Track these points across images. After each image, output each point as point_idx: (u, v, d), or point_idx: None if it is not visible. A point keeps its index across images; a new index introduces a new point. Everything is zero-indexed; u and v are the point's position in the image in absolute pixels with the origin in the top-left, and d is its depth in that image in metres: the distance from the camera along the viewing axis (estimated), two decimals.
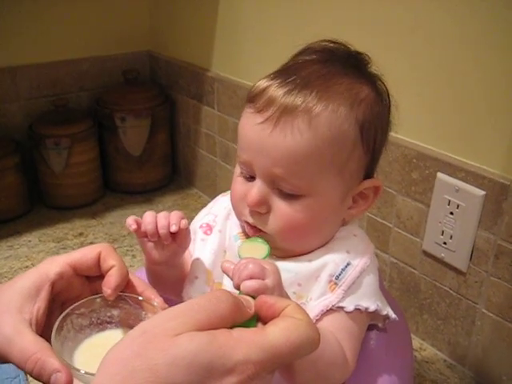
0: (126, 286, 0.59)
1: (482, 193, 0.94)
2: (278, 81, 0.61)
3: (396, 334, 0.74)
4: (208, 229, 0.73)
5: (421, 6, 0.97)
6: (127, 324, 0.57)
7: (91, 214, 1.65)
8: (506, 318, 0.97)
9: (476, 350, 1.04)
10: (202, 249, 0.71)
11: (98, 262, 0.58)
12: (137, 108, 1.66)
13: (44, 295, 0.54)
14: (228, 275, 0.58)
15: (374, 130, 0.63)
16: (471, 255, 0.99)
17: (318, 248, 0.66)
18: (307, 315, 0.42)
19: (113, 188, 1.78)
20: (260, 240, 0.63)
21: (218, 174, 1.64)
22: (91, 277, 0.60)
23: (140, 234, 0.66)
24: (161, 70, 1.82)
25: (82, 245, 1.48)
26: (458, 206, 0.98)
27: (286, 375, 0.49)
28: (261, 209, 0.62)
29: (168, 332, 0.37)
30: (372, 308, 0.63)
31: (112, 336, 0.56)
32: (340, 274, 0.63)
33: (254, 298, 0.45)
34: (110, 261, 0.58)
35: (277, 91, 0.60)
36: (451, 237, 1.00)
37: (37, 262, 1.40)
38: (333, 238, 0.67)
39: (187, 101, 1.71)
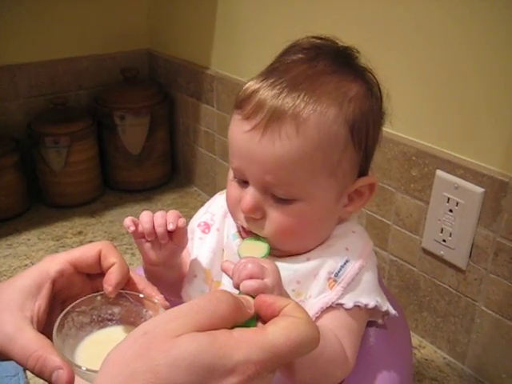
0: (127, 283, 0.59)
1: (482, 190, 0.94)
2: (265, 84, 0.60)
3: (395, 331, 0.74)
4: (206, 227, 0.73)
5: (421, 5, 0.97)
6: (128, 321, 0.57)
7: (90, 212, 1.65)
8: (505, 316, 0.97)
9: (475, 347, 1.04)
10: (200, 247, 0.71)
11: (98, 259, 0.59)
12: (136, 106, 1.66)
13: (45, 293, 0.54)
14: (228, 274, 0.58)
15: (365, 127, 0.62)
16: (470, 253, 0.99)
17: (317, 246, 0.66)
18: (307, 314, 0.42)
19: (112, 186, 1.78)
20: (259, 239, 0.63)
21: (217, 172, 1.64)
22: (92, 274, 0.60)
23: (137, 234, 0.66)
24: (160, 68, 1.82)
25: (81, 243, 1.48)
26: (457, 204, 0.98)
27: (286, 374, 0.49)
28: (255, 215, 0.62)
29: (169, 333, 0.37)
30: (371, 304, 0.63)
31: (113, 333, 0.56)
32: (339, 271, 0.63)
33: (253, 297, 0.45)
34: (111, 258, 0.58)
35: (264, 96, 0.59)
36: (450, 234, 1.00)
37: (36, 260, 1.40)
38: (331, 236, 0.67)
39: (186, 99, 1.71)
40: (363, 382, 0.65)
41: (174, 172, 1.88)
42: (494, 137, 0.92)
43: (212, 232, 0.72)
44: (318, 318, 0.62)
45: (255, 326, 0.42)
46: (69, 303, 0.55)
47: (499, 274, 0.95)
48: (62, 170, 1.60)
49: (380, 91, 0.66)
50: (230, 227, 0.71)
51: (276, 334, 0.39)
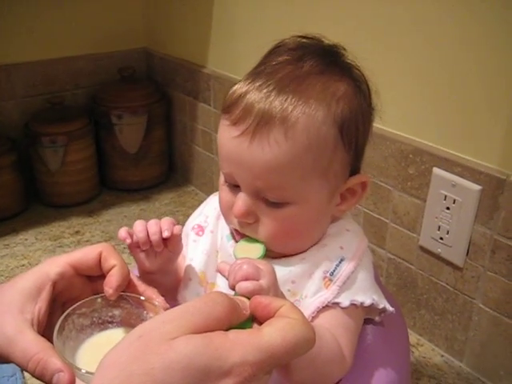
0: (127, 285, 0.59)
1: (479, 188, 0.94)
2: (252, 87, 0.59)
3: (393, 329, 0.74)
4: (200, 230, 0.72)
5: (420, 5, 0.97)
6: (129, 324, 0.57)
7: (88, 211, 1.65)
8: (502, 313, 0.97)
9: (473, 345, 1.04)
10: (194, 250, 0.71)
11: (99, 261, 0.59)
12: (133, 105, 1.66)
13: (45, 295, 0.54)
14: (224, 275, 0.58)
15: (354, 126, 0.62)
16: (468, 250, 0.99)
17: (311, 246, 0.66)
18: (302, 314, 0.42)
19: (109, 186, 1.78)
20: (255, 240, 0.63)
21: (214, 172, 1.64)
22: (92, 276, 0.60)
23: (132, 244, 0.65)
24: (157, 67, 1.82)
25: (78, 243, 1.48)
26: (454, 201, 0.98)
27: (283, 374, 0.49)
28: (248, 219, 0.62)
29: (164, 336, 0.37)
30: (367, 302, 0.63)
31: (113, 336, 0.56)
32: (334, 271, 0.63)
33: (249, 298, 0.45)
34: (112, 260, 0.58)
35: (251, 100, 0.58)
36: (448, 232, 1.00)
37: (33, 260, 1.40)
38: (325, 235, 0.67)
39: (183, 98, 1.71)
40: (361, 381, 0.65)
41: (171, 171, 1.88)
42: (491, 134, 0.92)
43: (206, 234, 0.72)
44: (314, 317, 0.62)
45: (251, 327, 0.42)
46: (69, 305, 0.55)
47: (496, 271, 0.95)
48: (59, 170, 1.60)
49: (368, 87, 0.66)
50: (224, 229, 0.70)
51: (272, 335, 0.39)
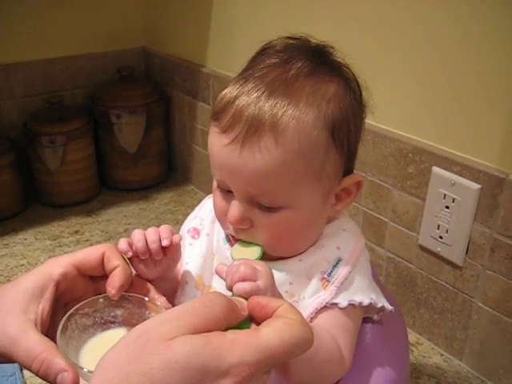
0: (130, 285, 0.59)
1: (478, 186, 0.94)
2: (241, 92, 0.58)
3: (392, 328, 0.74)
4: (195, 233, 0.72)
5: (420, 4, 0.97)
6: (131, 324, 0.57)
7: (87, 211, 1.65)
8: (502, 312, 0.97)
9: (473, 343, 1.04)
10: (190, 253, 0.70)
11: (101, 262, 0.59)
12: (132, 105, 1.66)
13: (48, 295, 0.55)
14: (221, 277, 0.58)
15: (346, 128, 0.61)
16: (467, 249, 0.99)
17: (308, 247, 0.66)
18: (300, 314, 0.42)
19: (109, 185, 1.78)
20: (252, 241, 0.63)
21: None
22: (95, 277, 0.60)
23: (133, 254, 0.64)
24: (156, 66, 1.82)
25: (78, 242, 1.48)
26: (453, 200, 0.98)
27: (281, 374, 0.49)
28: (243, 225, 0.62)
29: (162, 336, 0.37)
30: (366, 302, 0.63)
31: (116, 336, 0.56)
32: (332, 271, 0.63)
33: (246, 299, 0.45)
34: (114, 261, 0.58)
35: (240, 107, 0.57)
36: (447, 231, 1.00)
37: (33, 260, 1.40)
38: (322, 235, 0.67)
39: (183, 97, 1.71)
40: (360, 380, 0.65)
41: (170, 170, 1.88)
42: (490, 133, 0.92)
43: (201, 237, 0.71)
44: (312, 318, 0.62)
45: (249, 327, 0.43)
46: (72, 305, 0.55)
47: (496, 270, 0.95)
48: (58, 169, 1.60)
49: (358, 85, 0.65)
50: (220, 231, 0.70)
51: (270, 335, 0.39)
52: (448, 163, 0.98)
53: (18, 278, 0.56)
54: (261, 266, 0.54)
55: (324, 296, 0.62)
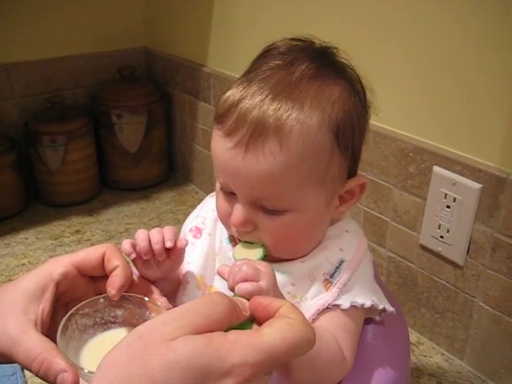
0: (130, 285, 0.59)
1: (479, 186, 0.94)
2: (245, 95, 0.58)
3: (393, 327, 0.74)
4: (197, 232, 0.72)
5: (421, 3, 0.97)
6: (131, 324, 0.57)
7: (88, 211, 1.65)
8: (503, 312, 0.97)
9: (474, 343, 1.04)
10: (191, 253, 0.70)
11: (102, 262, 0.59)
12: (133, 104, 1.66)
13: (48, 296, 0.54)
14: (224, 278, 0.58)
15: (350, 130, 0.61)
16: (468, 249, 0.99)
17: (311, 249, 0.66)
18: (302, 315, 0.41)
19: (109, 185, 1.78)
20: (255, 242, 0.63)
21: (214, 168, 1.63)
22: (95, 277, 0.60)
23: (136, 255, 0.63)
24: (157, 66, 1.82)
25: (78, 242, 1.48)
26: (454, 200, 0.98)
27: (283, 374, 0.49)
28: (246, 228, 0.61)
29: (164, 336, 0.37)
30: (368, 304, 0.63)
31: (116, 336, 0.56)
32: (334, 273, 0.63)
33: (248, 300, 0.45)
34: (115, 261, 0.58)
35: (243, 110, 0.57)
36: (448, 230, 1.00)
37: (34, 259, 1.40)
38: (325, 237, 0.66)
39: (183, 97, 1.71)
40: (361, 379, 0.65)
41: (171, 170, 1.88)
42: (491, 133, 0.92)
43: (203, 237, 0.71)
44: (314, 319, 0.62)
45: (250, 328, 0.42)
46: (72, 306, 0.55)
47: (497, 269, 0.95)
48: (59, 169, 1.60)
49: (362, 86, 0.64)
50: (223, 231, 0.70)
51: (271, 335, 0.39)
52: (449, 163, 0.98)
53: (19, 278, 0.56)
54: (263, 267, 0.54)
55: (326, 297, 0.62)
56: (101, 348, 0.54)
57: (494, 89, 0.90)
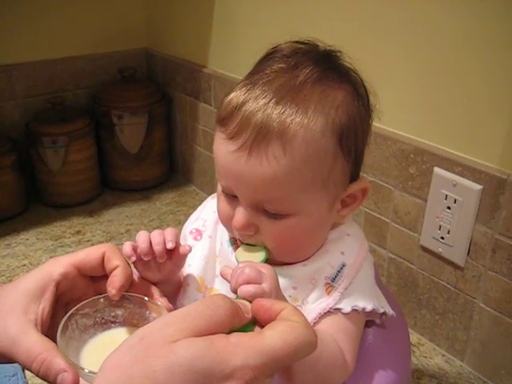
0: (130, 285, 0.59)
1: (479, 187, 0.94)
2: (248, 98, 0.58)
3: (394, 329, 0.74)
4: (198, 234, 0.72)
5: (421, 4, 0.97)
6: (131, 324, 0.57)
7: (89, 211, 1.65)
8: (503, 313, 0.97)
9: (474, 344, 1.04)
10: (192, 255, 0.69)
11: (102, 262, 0.59)
12: (134, 105, 1.66)
13: (48, 296, 0.55)
14: (226, 279, 0.58)
15: (353, 134, 0.61)
16: (469, 250, 0.99)
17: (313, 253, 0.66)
18: (304, 317, 0.41)
19: (110, 186, 1.78)
20: (257, 244, 0.63)
21: (215, 171, 1.63)
22: (95, 277, 0.60)
23: (136, 257, 0.63)
24: (158, 67, 1.82)
25: (79, 243, 1.48)
26: (455, 201, 0.98)
27: (284, 378, 0.48)
28: (248, 231, 0.61)
29: (166, 338, 0.37)
30: (369, 308, 0.63)
31: (116, 336, 0.56)
32: (336, 276, 0.63)
33: (250, 302, 0.45)
34: (115, 261, 0.58)
35: (247, 113, 0.57)
36: (449, 231, 1.00)
37: (34, 260, 1.40)
38: (326, 241, 0.66)
39: (184, 98, 1.71)
40: (361, 381, 0.65)
41: (172, 171, 1.88)
42: (491, 134, 0.92)
43: (204, 239, 0.71)
44: (315, 323, 0.61)
45: (252, 330, 0.42)
46: (72, 306, 0.55)
47: (497, 270, 0.95)
48: (60, 170, 1.60)
49: (366, 90, 0.64)
50: (224, 234, 0.70)
51: (273, 338, 0.39)
52: (449, 164, 0.98)
53: (19, 278, 0.56)
54: (266, 269, 0.54)
55: (328, 301, 0.62)
56: (101, 348, 0.54)
57: (495, 89, 0.90)
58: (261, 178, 0.57)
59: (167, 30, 1.74)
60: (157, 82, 1.81)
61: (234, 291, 0.51)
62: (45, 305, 0.54)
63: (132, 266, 0.64)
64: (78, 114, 1.66)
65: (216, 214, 0.69)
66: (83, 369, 0.47)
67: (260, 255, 0.61)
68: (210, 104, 1.59)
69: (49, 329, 0.54)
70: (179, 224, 1.55)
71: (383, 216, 1.14)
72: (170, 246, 0.62)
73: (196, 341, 0.37)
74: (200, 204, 0.78)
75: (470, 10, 0.90)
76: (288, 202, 0.59)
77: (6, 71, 1.60)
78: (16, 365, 0.51)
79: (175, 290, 0.70)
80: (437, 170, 1.00)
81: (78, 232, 1.54)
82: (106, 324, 0.57)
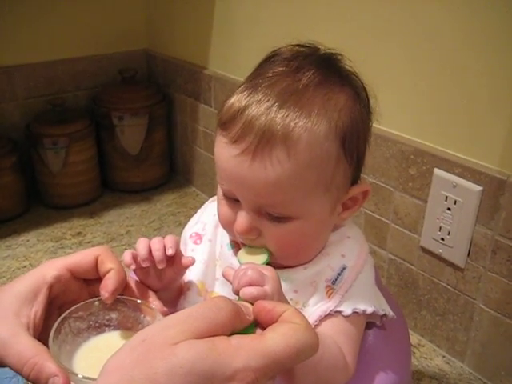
0: (124, 288, 0.59)
1: (479, 188, 0.94)
2: (250, 102, 0.57)
3: (394, 330, 0.74)
4: (198, 238, 0.71)
5: (421, 4, 0.97)
6: (125, 327, 0.56)
7: (89, 213, 1.65)
8: (503, 314, 0.97)
9: (474, 345, 1.04)
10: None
11: (95, 264, 0.58)
12: (134, 107, 1.66)
13: (41, 299, 0.54)
14: (228, 280, 0.58)
15: (356, 137, 0.61)
16: (469, 251, 0.99)
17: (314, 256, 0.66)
18: (306, 320, 0.41)
19: (111, 187, 1.78)
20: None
21: (215, 173, 1.63)
22: (89, 280, 0.59)
23: (136, 265, 0.63)
24: (158, 68, 1.82)
25: (80, 244, 1.49)
26: (455, 202, 0.98)
27: (286, 380, 0.48)
28: (251, 235, 0.61)
29: (167, 340, 0.37)
30: (369, 310, 0.63)
31: (110, 339, 0.55)
32: (336, 279, 0.63)
33: (252, 304, 0.45)
34: (108, 264, 0.57)
35: (250, 117, 0.56)
36: (449, 233, 1.00)
37: (35, 261, 1.40)
38: (326, 243, 0.67)
39: (185, 99, 1.71)
40: (362, 382, 0.65)
41: (172, 172, 1.88)
42: (491, 135, 0.92)
43: (204, 243, 0.71)
44: (316, 325, 0.61)
45: (254, 332, 0.42)
46: (66, 309, 0.54)
47: (497, 272, 0.95)
48: (60, 171, 1.60)
49: (367, 93, 0.64)
50: (224, 237, 0.69)
51: (275, 340, 0.38)
52: (450, 165, 0.98)
53: (13, 281, 0.56)
54: (268, 271, 0.53)
55: (328, 304, 0.62)
56: (94, 351, 0.53)
57: (495, 90, 0.90)
58: (264, 182, 0.57)
59: (167, 31, 1.74)
60: (157, 83, 1.81)
61: (236, 293, 0.51)
62: (37, 308, 0.53)
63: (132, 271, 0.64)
64: (79, 115, 1.66)
65: (216, 217, 0.69)
66: (77, 374, 0.47)
67: (262, 257, 0.61)
68: (210, 105, 1.59)
69: (42, 332, 0.53)
70: (179, 225, 1.55)
71: (383, 217, 1.14)
72: (169, 252, 0.62)
73: (197, 343, 0.37)
74: (200, 205, 0.78)
75: (470, 11, 0.90)
76: (291, 205, 0.59)
77: (6, 72, 1.60)
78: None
79: (176, 296, 0.70)
80: (437, 171, 1.00)
81: (79, 233, 1.54)
82: (99, 327, 0.56)
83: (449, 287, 1.05)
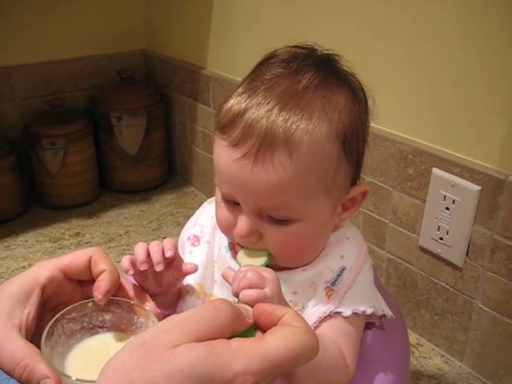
0: (118, 290, 0.58)
1: (478, 188, 0.94)
2: (250, 105, 0.57)
3: (393, 329, 0.74)
4: (195, 240, 0.71)
5: (422, 4, 0.97)
6: (119, 328, 0.56)
7: (88, 213, 1.65)
8: (502, 313, 0.97)
9: (473, 344, 1.04)
10: (190, 262, 0.68)
11: (88, 266, 0.57)
12: (132, 107, 1.66)
13: (34, 300, 0.53)
14: (228, 281, 0.58)
15: (356, 139, 0.61)
16: (467, 250, 0.99)
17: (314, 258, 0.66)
18: (305, 322, 0.41)
19: (109, 187, 1.78)
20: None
21: (214, 173, 1.63)
22: (83, 281, 0.59)
23: (135, 271, 0.63)
24: (156, 68, 1.82)
25: (78, 244, 1.48)
26: (453, 202, 0.98)
27: (286, 383, 0.48)
28: (252, 239, 0.61)
29: (167, 343, 0.37)
30: (369, 311, 0.63)
31: (103, 340, 0.55)
32: (336, 280, 0.63)
33: (252, 306, 0.45)
34: (101, 265, 0.57)
35: (250, 120, 0.56)
36: (447, 232, 1.01)
37: (34, 262, 1.40)
38: (325, 245, 0.67)
39: (183, 99, 1.71)
40: (360, 382, 0.65)
41: (171, 172, 1.88)
42: (490, 135, 0.92)
43: (202, 245, 0.70)
44: (316, 327, 0.61)
45: (254, 335, 0.42)
46: (59, 310, 0.54)
47: (496, 271, 0.95)
48: (58, 172, 1.60)
49: (365, 94, 0.64)
50: (222, 239, 0.69)
51: (275, 343, 0.38)
52: (448, 165, 0.98)
53: (6, 282, 0.55)
54: (268, 273, 0.53)
55: (328, 305, 0.62)
56: (88, 353, 0.53)
57: (493, 91, 0.90)
58: (266, 185, 0.56)
59: (166, 31, 1.74)
60: (155, 83, 1.81)
61: (236, 295, 0.51)
62: (30, 309, 0.53)
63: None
64: (77, 115, 1.66)
65: (214, 219, 0.68)
66: (70, 377, 0.46)
67: (262, 259, 0.61)
68: (208, 105, 1.59)
69: (35, 333, 0.53)
70: (178, 225, 1.55)
71: (382, 217, 1.14)
72: (168, 254, 0.61)
73: (197, 346, 0.37)
74: (199, 205, 0.78)
75: (470, 11, 0.90)
76: (293, 207, 0.59)
77: (5, 73, 1.60)
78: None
79: (175, 300, 0.70)
80: (435, 170, 1.00)
81: (77, 234, 1.54)
82: (93, 329, 0.55)
83: (447, 287, 1.05)
